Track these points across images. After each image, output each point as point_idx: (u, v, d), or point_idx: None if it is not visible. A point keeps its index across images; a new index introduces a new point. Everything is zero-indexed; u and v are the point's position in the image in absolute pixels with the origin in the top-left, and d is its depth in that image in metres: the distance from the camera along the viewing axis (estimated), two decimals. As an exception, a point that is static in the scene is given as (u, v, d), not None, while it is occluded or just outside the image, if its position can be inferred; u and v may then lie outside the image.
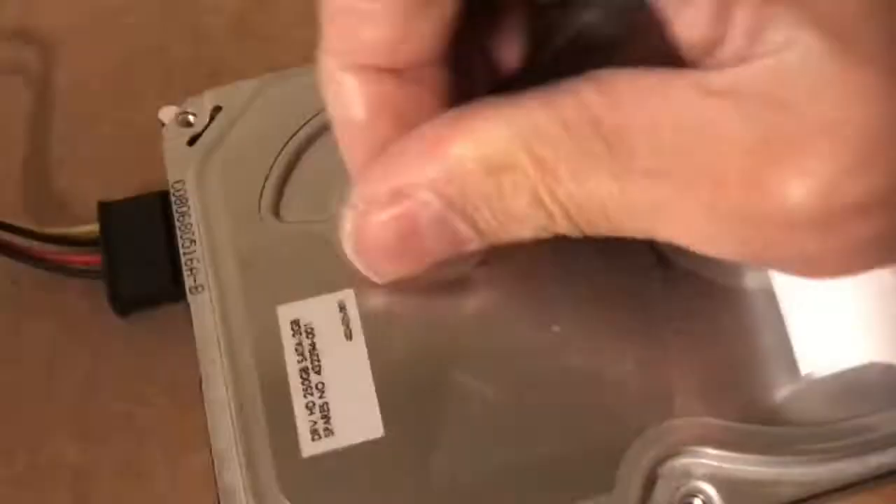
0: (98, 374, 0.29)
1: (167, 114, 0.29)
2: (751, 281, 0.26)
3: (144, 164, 0.30)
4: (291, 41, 0.33)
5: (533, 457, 0.24)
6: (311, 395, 0.25)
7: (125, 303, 0.29)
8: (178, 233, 0.27)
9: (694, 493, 0.24)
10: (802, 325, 0.25)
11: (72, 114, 0.33)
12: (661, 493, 0.24)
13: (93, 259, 0.29)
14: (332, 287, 0.26)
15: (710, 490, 0.24)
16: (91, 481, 0.27)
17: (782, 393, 0.25)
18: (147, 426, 0.28)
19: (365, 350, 0.25)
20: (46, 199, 0.32)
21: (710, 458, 0.24)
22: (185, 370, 0.27)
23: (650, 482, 0.24)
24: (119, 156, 0.32)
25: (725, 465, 0.24)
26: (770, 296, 0.25)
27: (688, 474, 0.24)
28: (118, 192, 0.30)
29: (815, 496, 0.24)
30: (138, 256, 0.29)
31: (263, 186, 0.28)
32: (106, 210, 0.29)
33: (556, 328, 0.26)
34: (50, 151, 0.32)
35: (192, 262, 0.27)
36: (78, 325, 0.29)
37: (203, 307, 0.26)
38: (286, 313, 0.26)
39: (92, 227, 0.29)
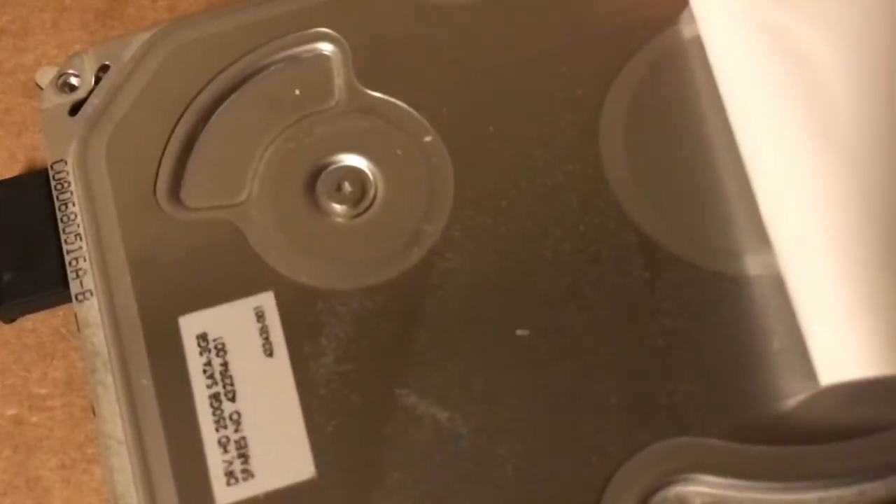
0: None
1: (45, 75, 0.25)
2: (752, 267, 0.23)
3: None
4: None
5: (496, 495, 0.21)
6: (225, 428, 0.21)
7: (8, 312, 0.25)
8: (61, 226, 0.24)
9: None
10: (824, 326, 0.21)
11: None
12: None
13: None
14: (246, 290, 0.22)
15: None
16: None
17: (794, 405, 0.22)
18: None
19: (290, 368, 0.22)
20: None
21: (711, 487, 0.21)
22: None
23: None
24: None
25: (728, 494, 0.21)
26: (774, 284, 0.22)
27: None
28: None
29: None
30: (21, 253, 0.24)
31: (159, 165, 0.24)
32: None
33: (521, 332, 0.22)
34: None
35: (76, 263, 0.23)
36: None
37: (91, 317, 0.23)
38: (190, 325, 0.22)
39: None
